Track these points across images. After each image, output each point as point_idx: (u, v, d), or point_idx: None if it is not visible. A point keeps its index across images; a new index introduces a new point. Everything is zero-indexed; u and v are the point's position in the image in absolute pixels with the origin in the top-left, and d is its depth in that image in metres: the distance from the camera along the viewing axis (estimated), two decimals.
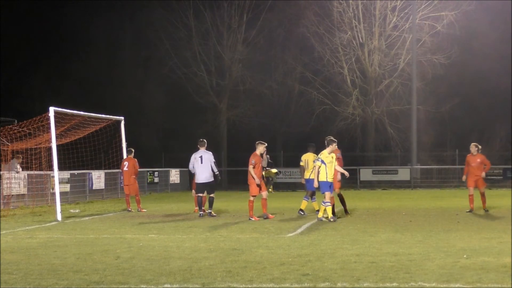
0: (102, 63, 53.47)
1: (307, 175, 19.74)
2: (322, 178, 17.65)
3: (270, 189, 31.24)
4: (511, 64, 47.16)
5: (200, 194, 20.21)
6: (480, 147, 21.06)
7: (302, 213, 20.03)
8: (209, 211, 20.11)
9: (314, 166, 17.97)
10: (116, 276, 9.64)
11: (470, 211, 20.51)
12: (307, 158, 19.84)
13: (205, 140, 20.41)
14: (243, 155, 46.60)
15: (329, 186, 17.73)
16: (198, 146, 20.25)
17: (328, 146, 17.83)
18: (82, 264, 10.77)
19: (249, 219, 18.58)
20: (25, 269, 10.38)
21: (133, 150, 23.60)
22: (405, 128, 47.66)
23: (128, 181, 23.24)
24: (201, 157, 19.95)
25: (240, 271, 9.90)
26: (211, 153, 20.13)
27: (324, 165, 17.56)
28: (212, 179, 20.06)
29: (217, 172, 20.27)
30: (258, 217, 18.79)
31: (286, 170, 42.83)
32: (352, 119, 49.28)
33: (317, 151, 20.04)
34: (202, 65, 51.56)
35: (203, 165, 19.89)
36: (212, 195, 20.25)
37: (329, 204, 17.75)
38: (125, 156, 24.09)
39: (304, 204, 20.11)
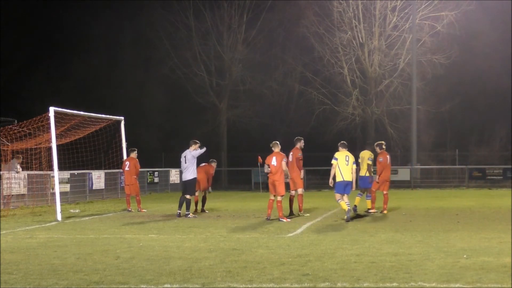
0: (102, 63, 53.47)
1: (362, 172, 20.13)
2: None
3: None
4: (511, 64, 47.16)
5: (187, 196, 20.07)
6: (382, 143, 20.85)
7: (355, 209, 20.20)
8: (179, 211, 19.79)
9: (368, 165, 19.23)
10: (116, 276, 9.64)
11: (366, 211, 20.35)
12: (364, 155, 20.14)
13: (195, 141, 20.10)
14: (243, 155, 46.89)
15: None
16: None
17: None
18: (82, 264, 10.77)
19: (279, 219, 18.02)
20: (25, 269, 10.38)
21: (136, 150, 23.59)
22: (405, 128, 47.63)
23: (129, 181, 23.23)
24: (185, 156, 20.00)
25: (240, 271, 9.90)
26: (191, 151, 19.81)
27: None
28: (191, 177, 19.84)
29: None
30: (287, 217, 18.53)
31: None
32: (352, 119, 49.27)
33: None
34: (202, 65, 51.57)
35: (186, 165, 19.92)
36: (187, 196, 19.78)
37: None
38: (125, 156, 24.10)
39: (357, 200, 20.36)
